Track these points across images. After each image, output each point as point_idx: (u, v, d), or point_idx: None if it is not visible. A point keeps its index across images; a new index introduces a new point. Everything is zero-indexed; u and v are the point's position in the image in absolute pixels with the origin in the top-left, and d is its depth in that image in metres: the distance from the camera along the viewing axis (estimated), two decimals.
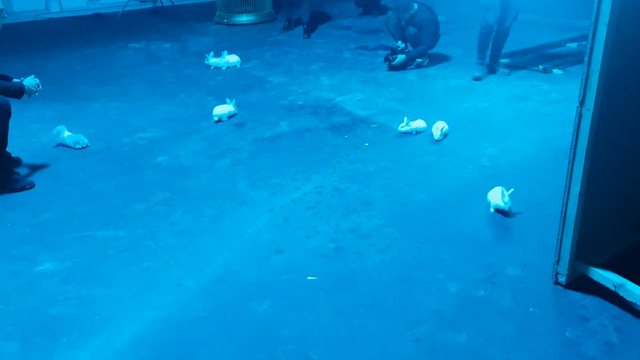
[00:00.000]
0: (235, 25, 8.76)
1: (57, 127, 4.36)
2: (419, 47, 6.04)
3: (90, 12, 9.88)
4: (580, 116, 2.30)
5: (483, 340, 2.24)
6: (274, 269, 2.75)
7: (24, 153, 4.14)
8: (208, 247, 2.97)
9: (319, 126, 4.55)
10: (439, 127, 4.19)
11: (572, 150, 2.35)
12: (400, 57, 5.93)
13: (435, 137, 4.14)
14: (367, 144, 4.16)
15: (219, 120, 4.71)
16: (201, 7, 10.32)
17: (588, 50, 2.22)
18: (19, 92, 3.60)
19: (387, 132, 4.37)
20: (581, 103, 2.28)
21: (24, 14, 9.71)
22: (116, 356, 2.25)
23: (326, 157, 3.98)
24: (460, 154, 3.94)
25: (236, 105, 4.86)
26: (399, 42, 6.13)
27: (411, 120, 4.31)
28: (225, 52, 6.47)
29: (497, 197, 3.12)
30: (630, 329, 2.28)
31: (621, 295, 2.36)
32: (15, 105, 3.65)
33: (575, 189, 2.37)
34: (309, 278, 2.67)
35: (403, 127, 4.28)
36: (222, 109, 4.76)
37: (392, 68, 5.97)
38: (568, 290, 2.50)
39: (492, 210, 3.14)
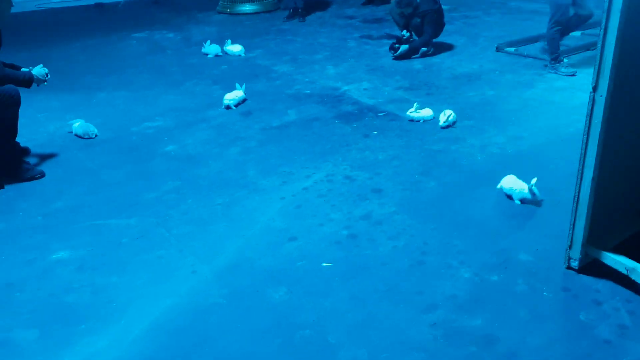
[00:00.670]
0: (238, 14, 8.72)
1: (74, 120, 4.37)
2: (422, 37, 6.03)
3: (92, 2, 9.82)
4: (593, 102, 2.31)
5: (498, 324, 2.27)
6: (288, 256, 2.77)
7: (32, 143, 4.14)
8: (221, 234, 2.99)
9: (327, 115, 4.55)
10: (445, 114, 4.22)
11: (585, 136, 2.36)
12: (404, 47, 5.93)
13: (440, 124, 4.17)
14: (375, 133, 4.17)
15: (228, 107, 4.72)
16: None
17: (601, 36, 2.23)
18: (28, 81, 3.60)
19: (395, 121, 4.37)
20: (594, 89, 2.30)
21: (25, 4, 9.63)
22: (135, 342, 2.27)
23: (335, 145, 3.99)
24: (468, 142, 3.96)
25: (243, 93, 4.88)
26: (404, 32, 6.11)
27: (425, 109, 4.34)
28: (229, 41, 6.46)
29: (517, 185, 3.12)
30: None
31: (633, 279, 2.38)
32: (21, 95, 3.65)
33: (589, 174, 2.39)
34: (324, 265, 2.69)
35: (412, 112, 4.30)
36: (233, 95, 4.78)
37: (397, 57, 5.97)
38: (580, 275, 2.53)
39: (517, 201, 3.14)
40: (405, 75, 5.49)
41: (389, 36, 6.87)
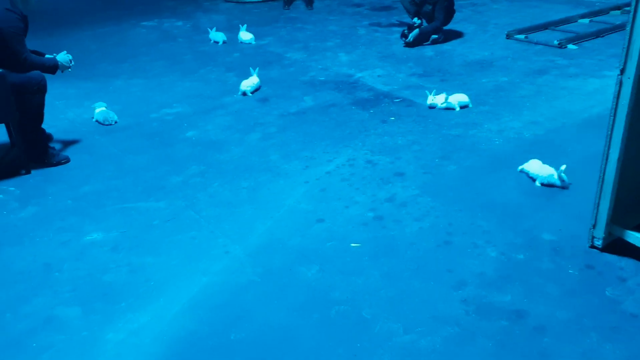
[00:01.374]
0: (245, 2, 8.74)
1: (96, 104, 4.44)
2: (432, 23, 6.08)
3: None
4: (620, 84, 2.37)
5: (527, 299, 2.35)
6: (317, 237, 2.84)
7: (54, 129, 4.19)
8: (249, 216, 3.06)
9: (343, 101, 4.61)
10: (456, 99, 4.30)
11: (612, 117, 2.43)
12: (414, 32, 5.98)
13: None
14: (393, 119, 4.23)
15: (244, 94, 4.77)
16: None
17: (630, 19, 2.28)
18: (53, 67, 3.65)
19: (411, 107, 4.44)
20: (622, 71, 2.35)
21: None
22: (176, 317, 2.35)
23: (354, 131, 4.06)
24: (485, 127, 4.02)
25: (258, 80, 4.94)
26: (415, 19, 6.15)
27: (441, 94, 4.38)
28: (244, 26, 6.53)
29: (544, 171, 3.19)
30: None
31: None
32: None
33: (614, 154, 2.45)
34: (353, 245, 2.77)
35: (442, 103, 4.32)
36: (250, 82, 4.83)
37: (409, 44, 6.01)
38: (604, 254, 2.60)
39: (538, 184, 3.20)
40: (418, 62, 5.54)
41: (400, 23, 6.90)
